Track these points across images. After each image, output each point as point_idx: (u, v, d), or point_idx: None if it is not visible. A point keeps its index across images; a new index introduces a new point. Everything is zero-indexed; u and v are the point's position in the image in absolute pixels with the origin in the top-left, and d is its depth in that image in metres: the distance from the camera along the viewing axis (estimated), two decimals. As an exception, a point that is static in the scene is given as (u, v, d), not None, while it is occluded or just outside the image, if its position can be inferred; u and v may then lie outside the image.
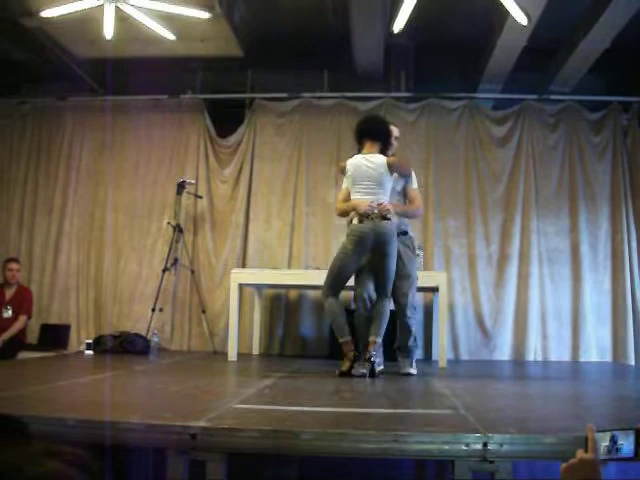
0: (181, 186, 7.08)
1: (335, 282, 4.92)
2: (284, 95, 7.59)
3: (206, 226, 7.51)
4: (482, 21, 6.28)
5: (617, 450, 1.62)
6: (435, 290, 6.16)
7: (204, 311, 7.06)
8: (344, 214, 5.00)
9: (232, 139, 7.66)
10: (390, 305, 4.97)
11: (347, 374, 4.64)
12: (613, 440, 1.62)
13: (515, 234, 7.19)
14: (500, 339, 7.04)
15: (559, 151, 7.34)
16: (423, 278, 6.17)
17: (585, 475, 1.55)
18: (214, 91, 7.74)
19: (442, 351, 5.90)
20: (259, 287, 6.83)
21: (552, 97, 7.35)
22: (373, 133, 4.86)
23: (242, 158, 7.56)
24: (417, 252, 6.36)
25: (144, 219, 7.56)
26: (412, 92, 7.47)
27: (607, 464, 1.62)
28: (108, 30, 5.54)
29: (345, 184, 4.96)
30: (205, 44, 6.65)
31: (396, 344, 5.18)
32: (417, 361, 5.24)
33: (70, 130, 7.81)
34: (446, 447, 2.44)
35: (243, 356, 6.39)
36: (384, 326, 4.85)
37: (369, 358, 4.63)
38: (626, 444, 1.61)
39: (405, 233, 5.17)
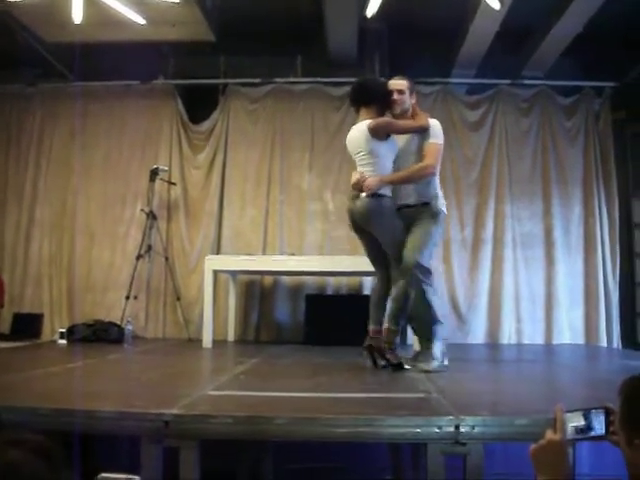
0: (154, 173, 7.02)
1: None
2: (257, 80, 7.53)
3: (180, 213, 7.45)
4: (456, 6, 6.27)
5: (588, 429, 1.64)
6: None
7: (179, 298, 7.02)
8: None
9: (205, 125, 7.59)
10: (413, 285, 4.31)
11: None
12: (584, 419, 1.64)
13: (489, 218, 7.23)
14: (474, 323, 7.09)
15: (532, 135, 7.38)
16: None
17: (553, 455, 1.57)
18: (187, 76, 7.64)
19: (417, 335, 5.92)
20: (233, 273, 6.81)
21: (525, 82, 7.38)
22: (364, 97, 4.44)
23: (216, 144, 7.50)
24: None
25: (117, 206, 7.47)
26: (386, 77, 7.41)
27: (576, 443, 1.64)
28: (77, 14, 5.45)
29: None
30: (177, 29, 6.57)
31: None
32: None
33: (40, 117, 7.68)
34: (418, 430, 2.46)
35: (218, 343, 6.38)
36: (396, 311, 4.32)
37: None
38: (596, 423, 1.63)
39: (426, 204, 4.48)
